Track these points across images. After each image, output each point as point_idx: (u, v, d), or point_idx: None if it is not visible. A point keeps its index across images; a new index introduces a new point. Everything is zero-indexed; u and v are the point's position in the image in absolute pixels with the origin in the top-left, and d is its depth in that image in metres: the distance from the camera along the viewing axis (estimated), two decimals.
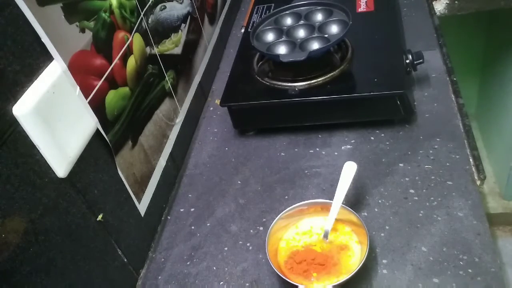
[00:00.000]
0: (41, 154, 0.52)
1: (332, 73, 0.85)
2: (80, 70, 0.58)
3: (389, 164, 0.78)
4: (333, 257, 0.63)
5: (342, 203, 0.67)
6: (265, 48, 0.89)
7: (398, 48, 0.87)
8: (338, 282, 0.60)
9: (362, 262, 0.60)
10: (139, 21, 0.75)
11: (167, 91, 0.84)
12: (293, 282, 0.61)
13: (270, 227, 0.67)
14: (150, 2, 0.79)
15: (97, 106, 0.61)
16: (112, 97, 0.65)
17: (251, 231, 0.74)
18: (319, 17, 0.93)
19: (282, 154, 0.86)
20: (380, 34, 0.93)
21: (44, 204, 0.52)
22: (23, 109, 0.49)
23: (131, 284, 0.70)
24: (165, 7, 0.86)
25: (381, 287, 0.62)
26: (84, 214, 0.59)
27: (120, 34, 0.68)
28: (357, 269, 0.59)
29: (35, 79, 0.52)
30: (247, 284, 0.67)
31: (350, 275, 0.59)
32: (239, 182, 0.83)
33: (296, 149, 0.86)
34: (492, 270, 0.60)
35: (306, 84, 0.84)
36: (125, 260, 0.68)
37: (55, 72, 0.54)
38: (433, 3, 1.19)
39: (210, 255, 0.72)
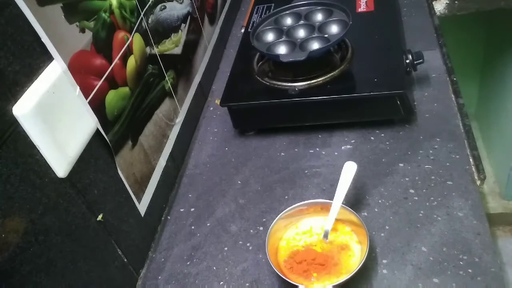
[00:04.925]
0: (41, 154, 0.52)
1: (332, 73, 0.85)
2: (80, 70, 0.58)
3: (389, 164, 0.78)
4: (333, 257, 0.63)
5: (342, 203, 0.67)
6: (265, 48, 0.89)
7: (398, 48, 0.87)
8: (338, 282, 0.60)
9: (362, 262, 0.60)
10: (139, 21, 0.75)
11: (167, 91, 0.84)
12: (293, 282, 0.61)
13: (270, 227, 0.67)
14: (150, 2, 0.79)
15: (97, 106, 0.61)
16: (112, 97, 0.65)
17: (251, 231, 0.74)
18: (319, 17, 0.93)
19: (282, 154, 0.86)
20: (380, 34, 0.93)
21: (44, 204, 0.52)
22: (23, 109, 0.49)
23: (131, 284, 0.70)
24: (165, 7, 0.86)
25: (381, 287, 0.62)
26: (84, 214, 0.59)
27: (120, 34, 0.68)
28: (357, 269, 0.59)
29: (35, 79, 0.52)
30: (247, 284, 0.67)
31: (350, 275, 0.59)
32: (239, 182, 0.83)
33: (296, 149, 0.86)
34: (492, 270, 0.60)
35: (306, 84, 0.84)
36: (125, 260, 0.68)
37: (55, 72, 0.54)
38: (433, 3, 1.19)
39: (210, 255, 0.72)
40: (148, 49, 0.78)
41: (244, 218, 0.76)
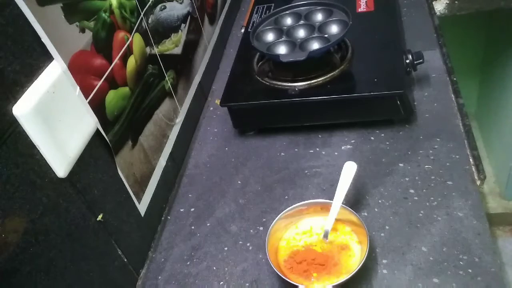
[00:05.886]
0: (41, 154, 0.52)
1: (332, 73, 0.85)
2: (80, 70, 0.58)
3: (389, 164, 0.78)
4: (333, 257, 0.63)
5: (342, 203, 0.67)
6: (265, 48, 0.89)
7: (398, 48, 0.87)
8: (338, 282, 0.60)
9: (362, 262, 0.60)
10: (139, 21, 0.75)
11: (167, 91, 0.84)
12: (293, 282, 0.61)
13: (270, 227, 0.67)
14: (150, 2, 0.79)
15: (97, 106, 0.61)
16: (112, 97, 0.65)
17: (251, 231, 0.74)
18: (319, 17, 0.93)
19: (282, 154, 0.86)
20: (380, 34, 0.93)
21: (44, 204, 0.52)
22: (23, 109, 0.49)
23: (131, 284, 0.70)
24: (165, 7, 0.86)
25: (381, 287, 0.62)
26: (84, 214, 0.59)
27: (120, 34, 0.68)
28: (357, 269, 0.59)
29: (35, 79, 0.52)
30: (247, 284, 0.67)
31: (350, 275, 0.59)
32: (239, 182, 0.83)
33: (296, 149, 0.86)
34: (492, 270, 0.60)
35: (306, 84, 0.84)
36: (125, 260, 0.68)
37: (55, 72, 0.54)
38: (433, 3, 1.19)
39: (210, 255, 0.72)
40: (148, 49, 0.78)
41: (244, 218, 0.76)
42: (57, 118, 0.54)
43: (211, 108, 1.03)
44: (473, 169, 0.74)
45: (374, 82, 0.81)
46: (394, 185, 0.75)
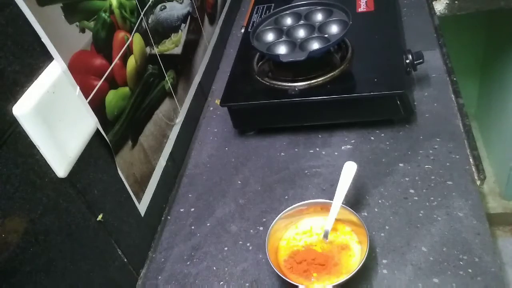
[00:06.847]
0: (41, 154, 0.52)
1: (332, 73, 0.85)
2: (80, 70, 0.58)
3: (389, 164, 0.78)
4: (333, 257, 0.63)
5: (342, 203, 0.67)
6: (265, 48, 0.89)
7: (398, 48, 0.87)
8: (338, 282, 0.60)
9: (362, 262, 0.60)
10: (139, 21, 0.75)
11: (167, 91, 0.84)
12: (293, 282, 0.61)
13: (270, 227, 0.67)
14: (150, 2, 0.79)
15: (97, 106, 0.61)
16: (112, 97, 0.65)
17: (251, 231, 0.74)
18: (319, 17, 0.93)
19: (282, 154, 0.86)
20: (380, 34, 0.93)
21: (44, 204, 0.52)
22: (23, 109, 0.49)
23: (131, 284, 0.70)
24: (165, 7, 0.86)
25: (381, 287, 0.62)
26: (84, 214, 0.59)
27: (120, 34, 0.68)
28: (357, 269, 0.59)
29: (35, 79, 0.52)
30: (247, 284, 0.67)
31: (350, 275, 0.59)
32: (239, 182, 0.83)
33: (296, 149, 0.86)
34: (492, 270, 0.60)
35: (306, 84, 0.84)
36: (125, 260, 0.68)
37: (55, 72, 0.54)
38: (433, 3, 1.19)
39: (210, 255, 0.72)
40: (148, 49, 0.78)
41: (244, 218, 0.76)
42: (57, 118, 0.54)
43: (211, 108, 1.03)
44: (473, 169, 0.74)
45: (374, 82, 0.81)
46: (394, 185, 0.75)
